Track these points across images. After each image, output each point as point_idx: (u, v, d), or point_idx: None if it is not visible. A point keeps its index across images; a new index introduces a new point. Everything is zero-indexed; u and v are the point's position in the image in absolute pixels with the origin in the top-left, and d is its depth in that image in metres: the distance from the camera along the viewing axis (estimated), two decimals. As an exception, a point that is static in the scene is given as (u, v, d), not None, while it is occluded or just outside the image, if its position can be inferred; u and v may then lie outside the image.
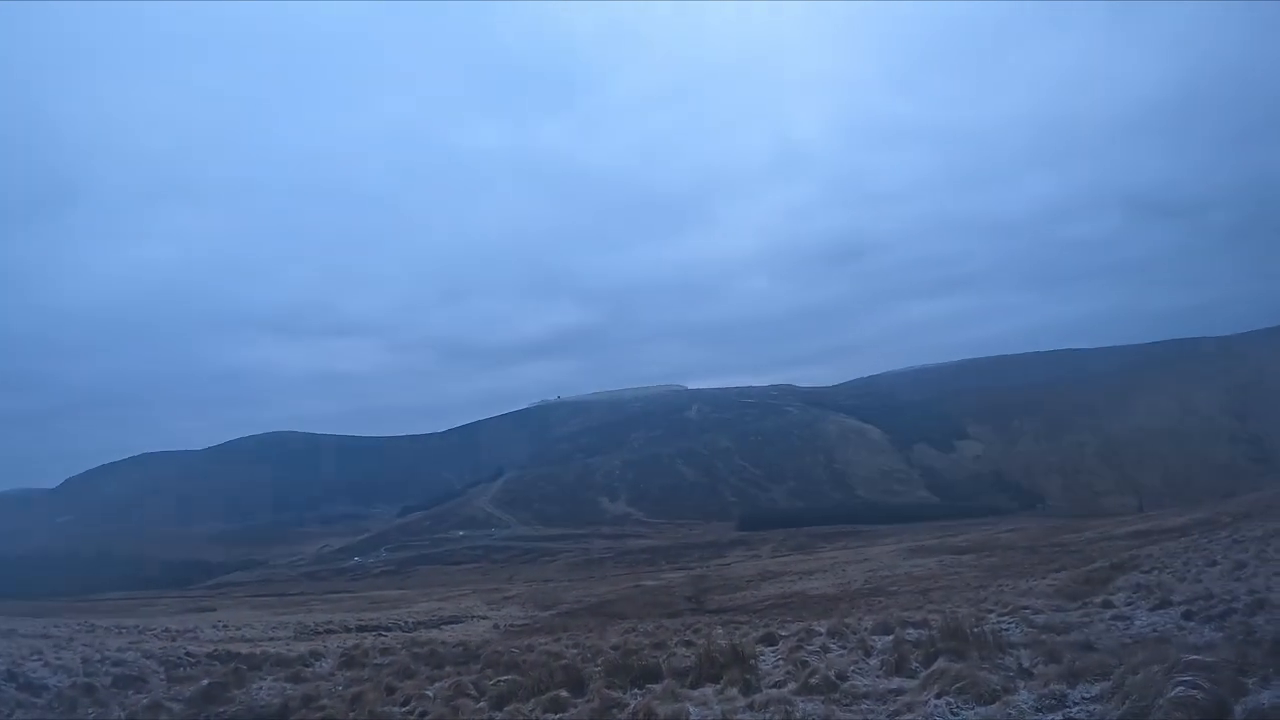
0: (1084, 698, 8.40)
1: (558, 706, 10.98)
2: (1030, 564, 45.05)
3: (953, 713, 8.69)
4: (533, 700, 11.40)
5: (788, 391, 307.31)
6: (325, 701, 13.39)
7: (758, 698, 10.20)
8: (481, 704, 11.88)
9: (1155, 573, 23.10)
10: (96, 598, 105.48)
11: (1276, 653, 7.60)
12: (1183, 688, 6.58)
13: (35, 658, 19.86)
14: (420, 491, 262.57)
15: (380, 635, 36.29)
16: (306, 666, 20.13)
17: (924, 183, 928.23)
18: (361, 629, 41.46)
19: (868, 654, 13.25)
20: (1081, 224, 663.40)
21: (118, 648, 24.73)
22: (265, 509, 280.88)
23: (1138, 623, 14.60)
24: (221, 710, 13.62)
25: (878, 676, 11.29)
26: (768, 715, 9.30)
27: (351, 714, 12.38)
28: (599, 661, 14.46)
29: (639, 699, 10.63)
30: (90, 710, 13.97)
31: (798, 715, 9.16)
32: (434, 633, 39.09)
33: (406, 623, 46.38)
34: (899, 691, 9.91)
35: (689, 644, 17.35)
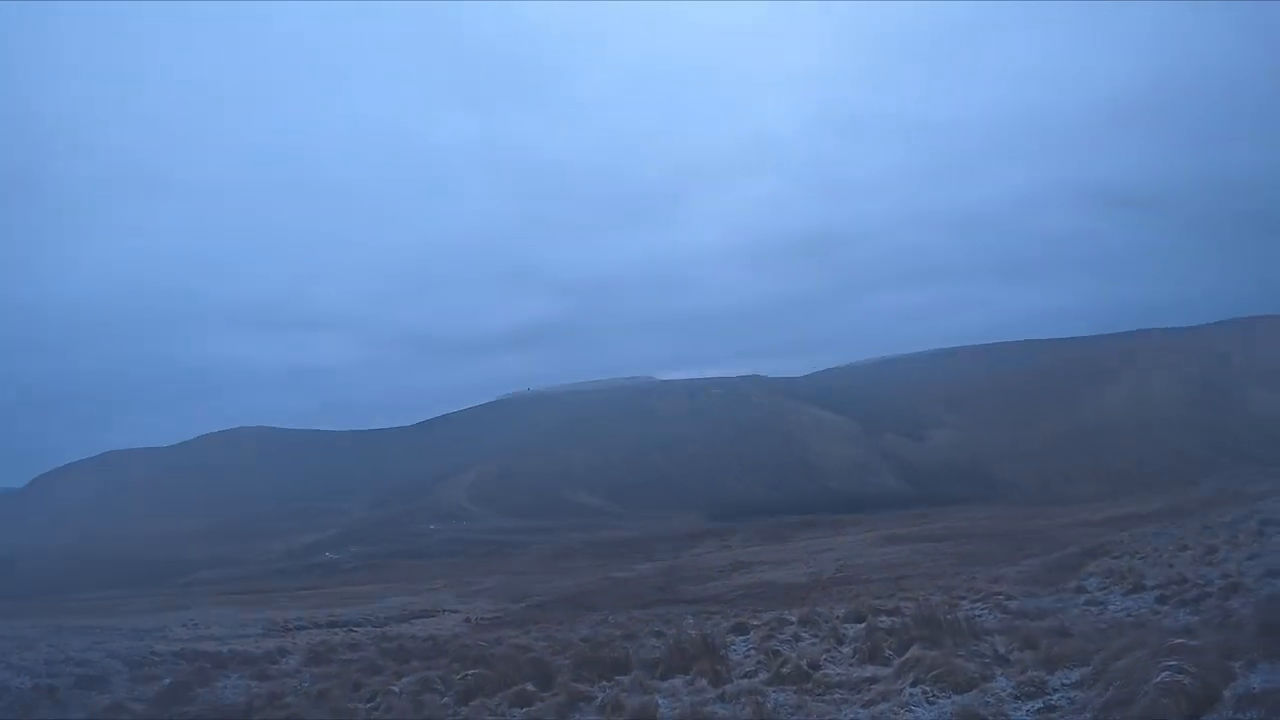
0: (1064, 684, 8.25)
1: (524, 700, 10.78)
2: (1001, 551, 45.21)
3: (929, 701, 8.51)
4: (499, 695, 11.16)
5: (757, 382, 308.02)
6: (290, 699, 13.16)
7: (728, 688, 10.02)
8: (447, 699, 11.71)
9: (1126, 558, 23.19)
10: (66, 598, 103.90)
11: (1262, 636, 7.44)
12: (1169, 673, 6.38)
13: (-2, 659, 19.41)
14: (391, 485, 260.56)
15: (351, 631, 35.85)
16: (272, 664, 19.87)
17: (894, 175, 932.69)
18: (332, 625, 40.94)
19: (840, 642, 13.11)
20: (1050, 216, 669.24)
21: (82, 648, 24.32)
22: (235, 505, 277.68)
23: (1112, 607, 14.57)
24: (185, 710, 13.30)
25: (851, 665, 11.14)
26: (739, 706, 9.08)
27: (316, 711, 12.10)
28: (568, 654, 14.29)
29: (607, 692, 10.42)
30: (50, 712, 13.63)
31: (769, 706, 8.94)
32: (404, 627, 38.71)
33: (377, 618, 45.89)
34: (873, 680, 9.74)
35: (659, 635, 17.17)
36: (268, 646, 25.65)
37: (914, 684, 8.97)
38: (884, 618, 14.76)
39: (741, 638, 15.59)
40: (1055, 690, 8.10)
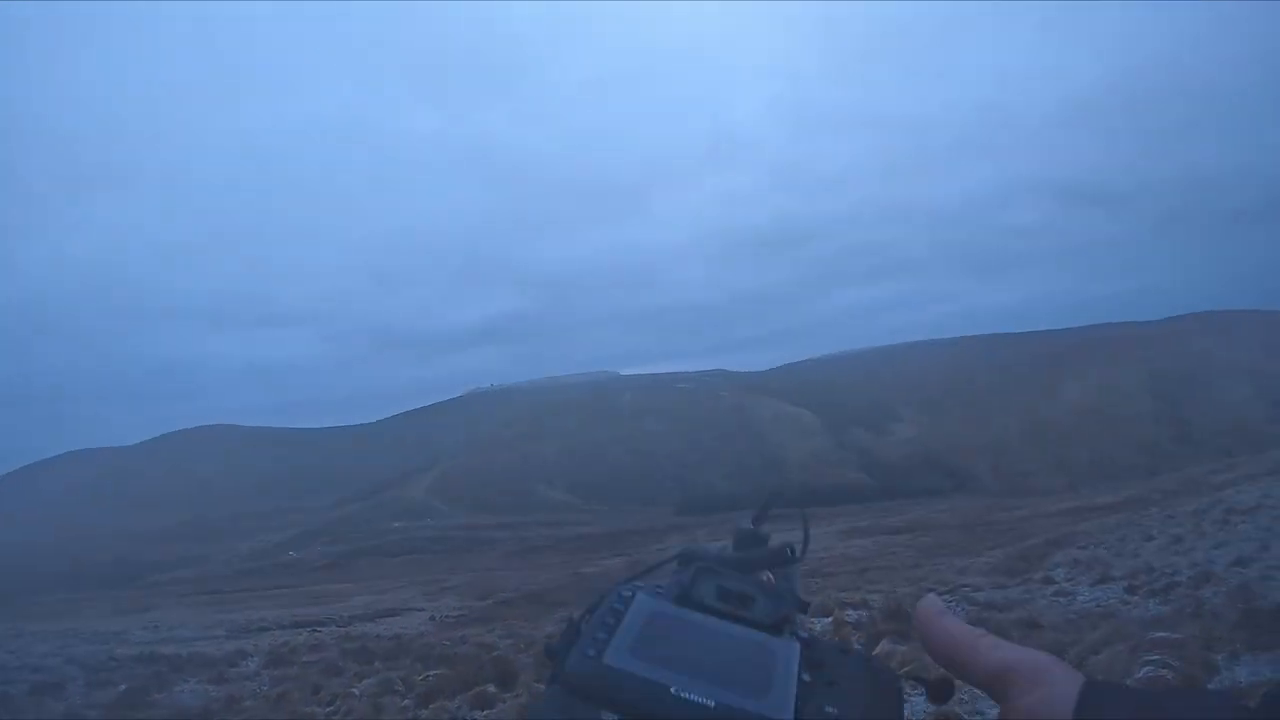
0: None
1: (485, 702, 10.51)
2: (966, 542, 45.36)
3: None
4: (460, 696, 10.91)
5: (721, 376, 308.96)
6: (249, 703, 13.07)
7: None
8: (408, 701, 11.50)
9: (1092, 548, 23.23)
10: (29, 601, 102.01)
11: (1242, 626, 7.32)
12: (1151, 667, 6.22)
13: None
14: (356, 483, 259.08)
15: (315, 631, 35.30)
16: (232, 667, 19.51)
17: (860, 171, 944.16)
18: (297, 625, 40.32)
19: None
20: (1016, 212, 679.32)
21: (41, 653, 23.82)
22: (200, 504, 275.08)
23: (1080, 598, 14.51)
24: (141, 716, 13.05)
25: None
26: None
27: (274, 715, 11.85)
28: (532, 652, 14.04)
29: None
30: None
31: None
32: (369, 626, 38.19)
33: (342, 617, 45.29)
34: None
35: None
36: (228, 649, 25.21)
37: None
38: (850, 611, 14.61)
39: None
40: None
